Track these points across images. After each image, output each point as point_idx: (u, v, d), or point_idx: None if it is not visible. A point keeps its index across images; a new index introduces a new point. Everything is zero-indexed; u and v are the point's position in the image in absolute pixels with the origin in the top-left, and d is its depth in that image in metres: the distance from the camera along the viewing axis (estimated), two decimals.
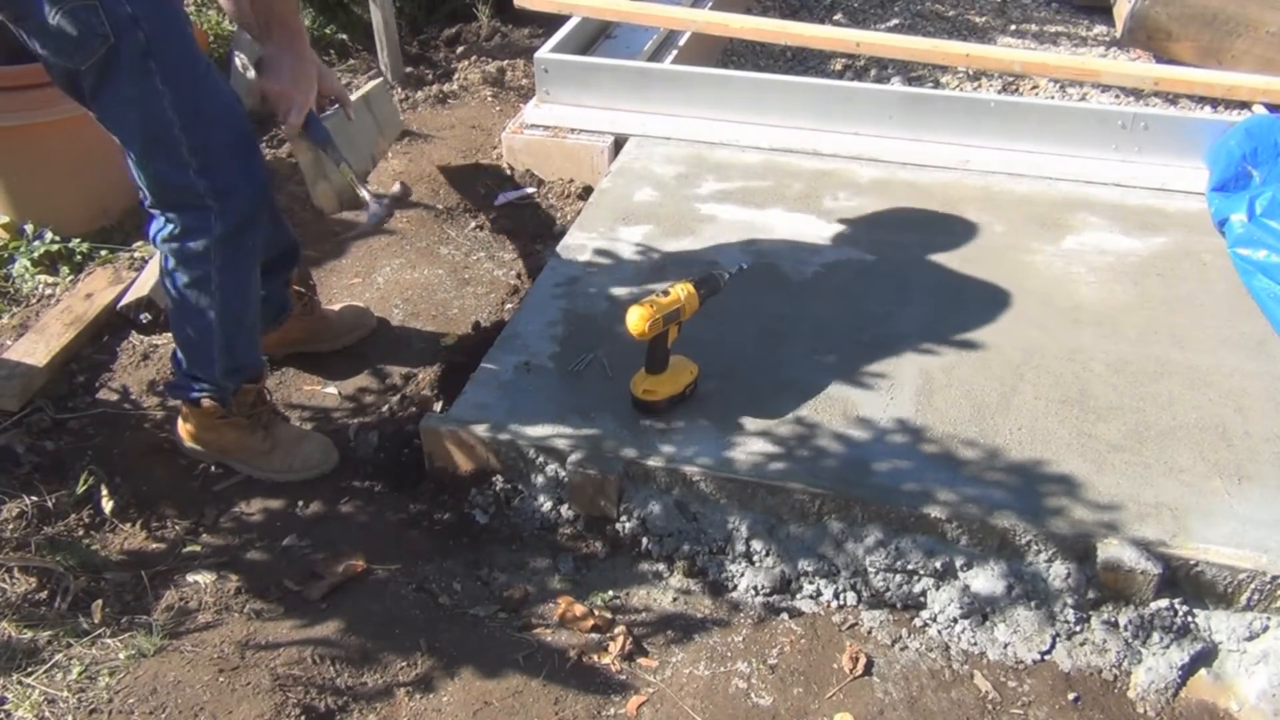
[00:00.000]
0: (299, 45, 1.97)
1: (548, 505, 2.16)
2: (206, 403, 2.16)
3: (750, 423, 2.17)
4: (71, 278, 2.84)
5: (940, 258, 2.73)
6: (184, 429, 2.26)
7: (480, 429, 2.15)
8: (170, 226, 1.96)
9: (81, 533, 2.11)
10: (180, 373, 2.16)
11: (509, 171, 3.45)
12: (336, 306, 2.66)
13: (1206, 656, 1.91)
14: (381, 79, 3.63)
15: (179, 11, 1.84)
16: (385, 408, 2.44)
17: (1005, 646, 1.94)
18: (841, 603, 2.02)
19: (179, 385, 2.17)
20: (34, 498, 2.13)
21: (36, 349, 2.51)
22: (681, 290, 2.08)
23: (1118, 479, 2.04)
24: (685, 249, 2.77)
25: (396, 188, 2.29)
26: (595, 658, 1.88)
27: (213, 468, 2.28)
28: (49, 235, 2.88)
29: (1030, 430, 2.16)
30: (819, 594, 2.04)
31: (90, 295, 2.73)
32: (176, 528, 2.15)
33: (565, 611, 1.96)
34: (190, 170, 1.88)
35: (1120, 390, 2.27)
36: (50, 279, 2.83)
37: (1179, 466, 2.07)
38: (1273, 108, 3.25)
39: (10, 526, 2.07)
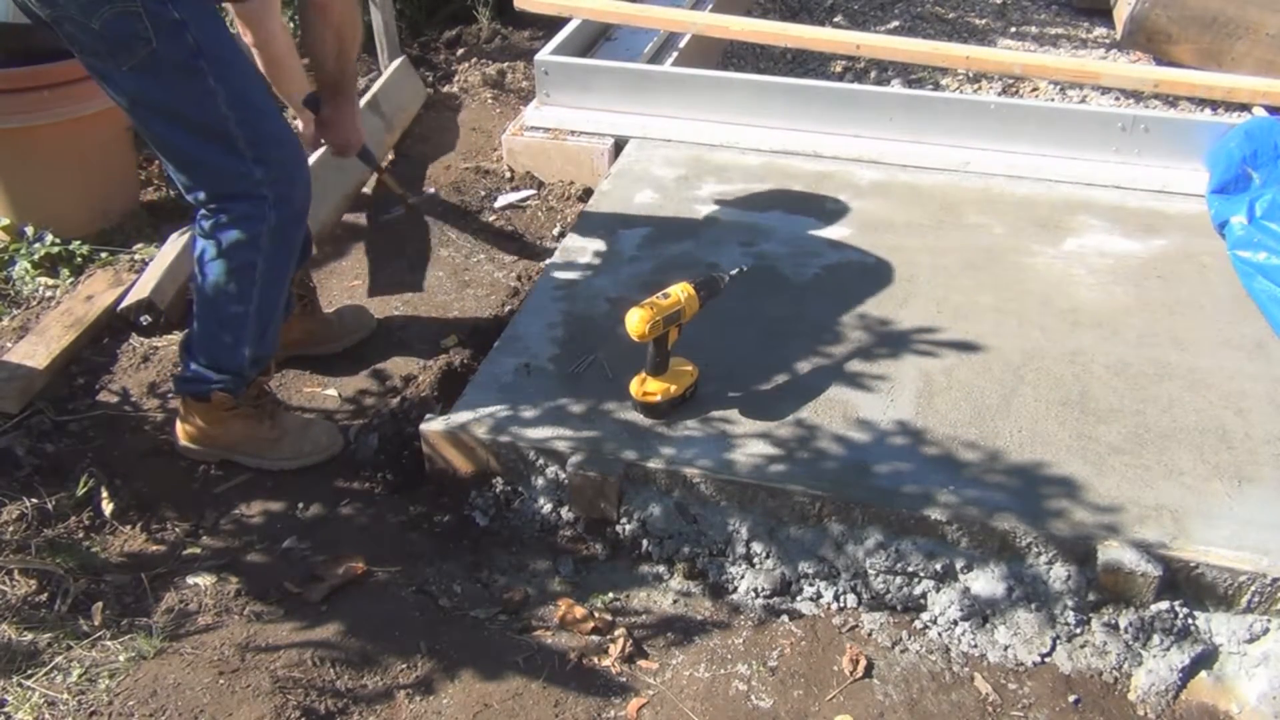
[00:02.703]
0: (354, 103, 2.30)
1: (548, 507, 2.16)
2: (217, 396, 2.16)
3: (750, 424, 2.17)
4: (72, 280, 2.84)
5: (940, 260, 2.73)
6: (184, 430, 2.26)
7: (480, 431, 2.15)
8: (223, 216, 2.00)
9: (81, 535, 2.11)
10: (195, 367, 2.16)
11: (509, 174, 3.45)
12: (334, 307, 2.66)
13: (1207, 659, 1.90)
14: (402, 59, 3.81)
15: (218, 10, 1.92)
16: (385, 410, 2.43)
17: (1005, 649, 1.94)
18: (842, 605, 2.02)
19: (193, 380, 2.17)
20: (34, 500, 2.13)
21: (37, 351, 2.51)
22: (681, 292, 2.08)
23: (1118, 481, 2.04)
24: (685, 251, 2.77)
25: (430, 190, 3.05)
26: (595, 660, 1.88)
27: (213, 469, 2.28)
28: (49, 237, 2.89)
29: (1030, 432, 2.16)
30: (819, 596, 2.03)
31: (90, 297, 2.73)
32: (176, 530, 2.15)
33: (565, 614, 1.96)
34: (248, 159, 1.94)
35: (1120, 392, 2.27)
36: (50, 281, 2.83)
37: (1179, 469, 2.07)
38: (1273, 110, 3.25)
39: (10, 529, 2.07)
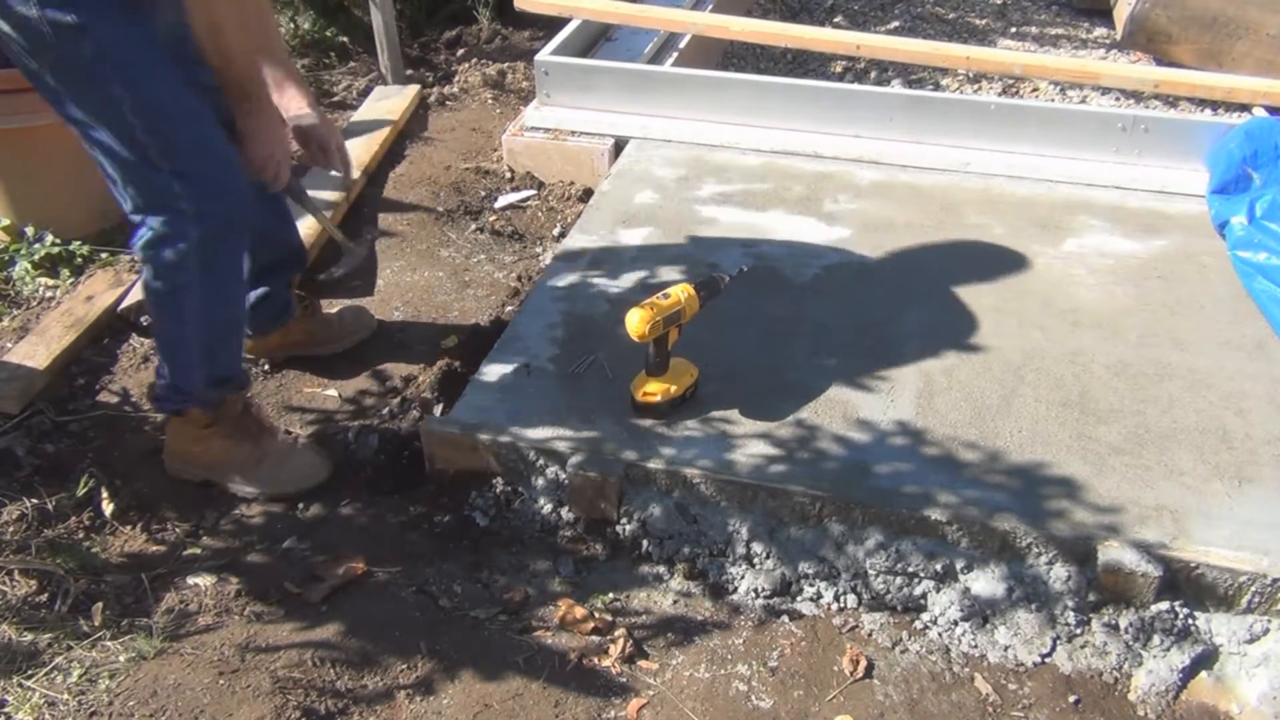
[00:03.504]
0: (270, 110, 2.00)
1: (548, 508, 2.16)
2: (192, 412, 2.13)
3: (750, 425, 2.17)
4: (72, 280, 2.84)
5: (940, 260, 2.73)
6: (167, 446, 2.24)
7: (481, 431, 2.15)
8: (149, 233, 1.91)
9: (82, 535, 2.11)
10: (165, 384, 2.12)
11: (509, 174, 3.45)
12: (335, 307, 2.66)
13: (1207, 659, 1.90)
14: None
15: (136, 15, 1.77)
16: (385, 410, 2.44)
17: (1006, 649, 1.94)
18: (842, 605, 2.02)
19: (164, 398, 2.14)
20: (34, 500, 2.13)
21: (37, 351, 2.51)
22: (682, 293, 2.08)
23: (1118, 481, 2.04)
24: (685, 251, 2.78)
25: (367, 237, 2.76)
26: (595, 660, 1.88)
27: None
28: (49, 238, 2.88)
29: (1030, 433, 2.16)
30: (819, 596, 2.03)
31: (91, 298, 2.73)
32: (177, 530, 2.15)
33: (565, 614, 1.96)
34: (164, 171, 1.84)
35: (1120, 393, 2.27)
36: (51, 281, 2.83)
37: (1179, 469, 2.07)
38: (1273, 110, 3.25)
39: (10, 529, 2.07)
